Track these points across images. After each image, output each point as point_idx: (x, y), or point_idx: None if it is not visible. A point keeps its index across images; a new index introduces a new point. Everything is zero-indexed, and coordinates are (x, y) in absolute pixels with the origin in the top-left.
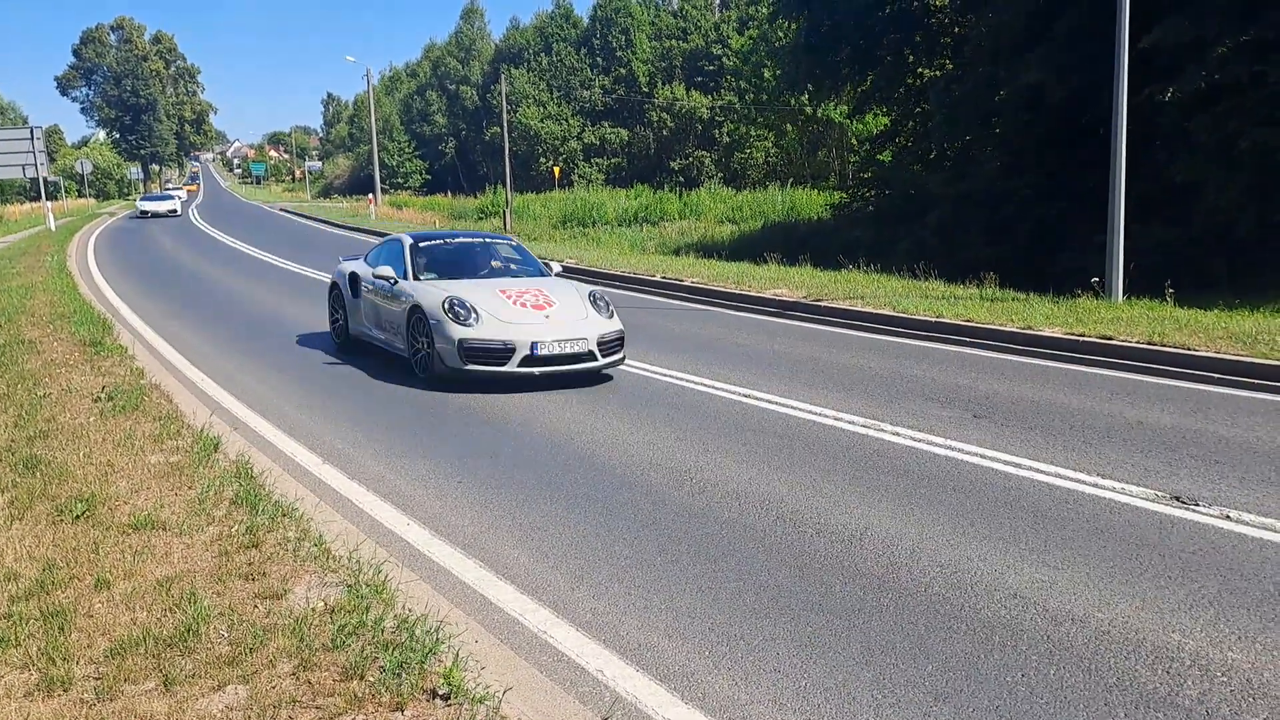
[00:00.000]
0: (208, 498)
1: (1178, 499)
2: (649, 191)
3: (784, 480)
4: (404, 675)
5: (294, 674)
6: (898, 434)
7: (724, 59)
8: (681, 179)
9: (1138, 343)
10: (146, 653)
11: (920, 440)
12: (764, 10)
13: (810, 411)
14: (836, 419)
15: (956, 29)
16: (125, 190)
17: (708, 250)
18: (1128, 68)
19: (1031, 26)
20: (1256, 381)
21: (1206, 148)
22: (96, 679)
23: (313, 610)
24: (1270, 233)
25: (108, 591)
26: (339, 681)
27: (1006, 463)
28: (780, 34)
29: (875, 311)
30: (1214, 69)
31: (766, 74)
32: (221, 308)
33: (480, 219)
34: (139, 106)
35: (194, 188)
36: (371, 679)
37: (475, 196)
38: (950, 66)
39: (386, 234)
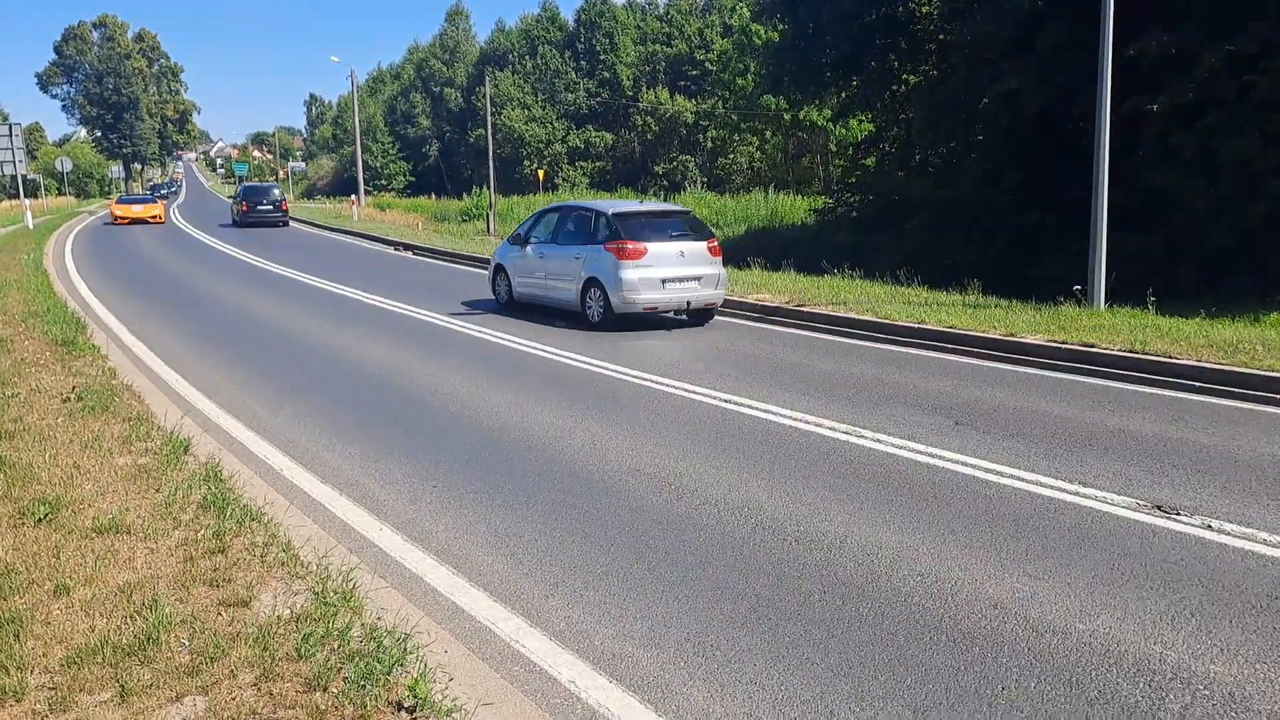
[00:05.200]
0: (175, 501)
1: (1159, 508)
2: (633, 195)
3: (763, 487)
4: (369, 686)
5: (255, 685)
6: (879, 440)
7: (707, 64)
8: (665, 183)
9: (1119, 351)
10: (104, 662)
11: (901, 447)
12: (745, 14)
13: (790, 417)
14: (817, 425)
15: (941, 36)
16: (106, 189)
17: None
18: (1111, 77)
19: (1015, 37)
20: (1237, 390)
21: (1187, 159)
22: (51, 689)
23: (278, 618)
24: (1244, 242)
25: (67, 597)
26: (301, 693)
27: (988, 470)
28: (759, 38)
29: (858, 317)
30: (1202, 81)
31: (741, 82)
32: (198, 307)
33: (464, 221)
34: (121, 105)
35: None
36: (335, 690)
37: (460, 198)
38: (934, 74)
39: (369, 235)
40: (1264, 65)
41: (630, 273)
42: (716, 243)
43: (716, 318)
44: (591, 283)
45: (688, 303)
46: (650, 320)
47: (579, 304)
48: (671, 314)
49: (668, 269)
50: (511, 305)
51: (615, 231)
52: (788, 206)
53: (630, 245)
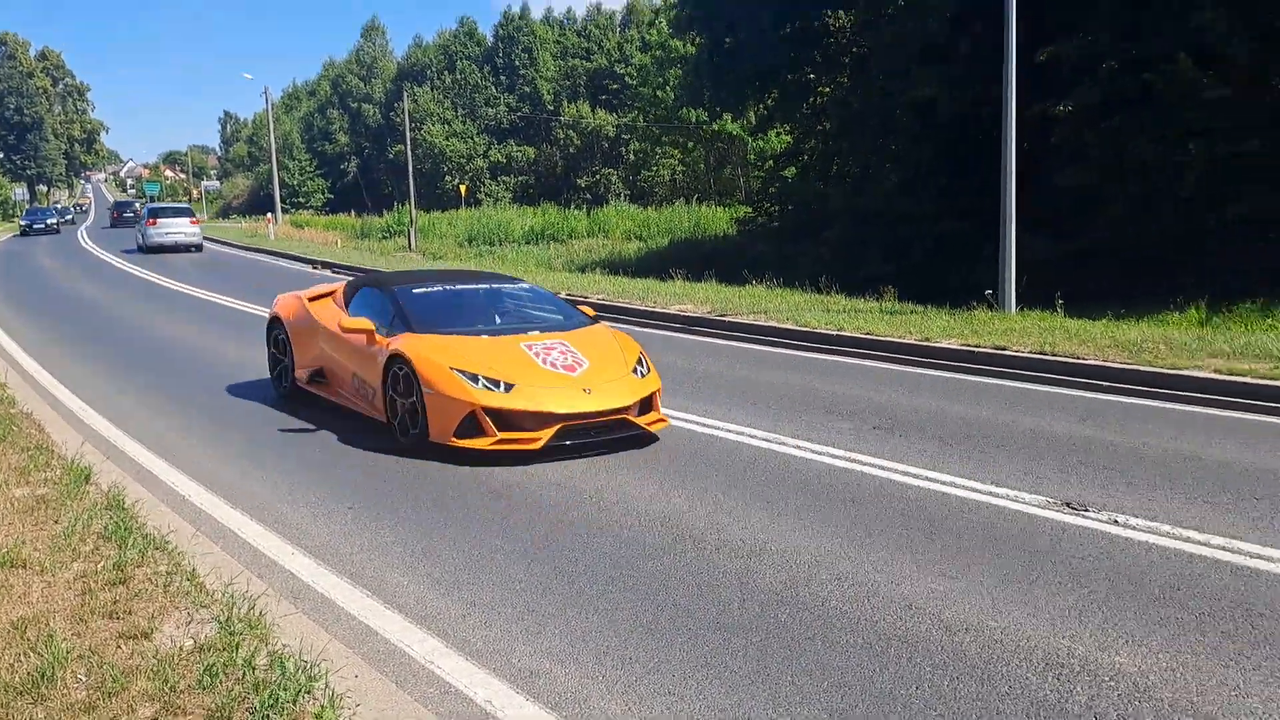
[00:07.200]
0: (74, 532)
1: (1069, 505)
2: (556, 209)
3: (684, 497)
4: (273, 716)
5: (155, 718)
6: (800, 447)
7: (627, 78)
8: (589, 196)
9: (1030, 353)
10: None
11: (822, 453)
12: (664, 28)
13: (713, 426)
14: (739, 433)
15: (854, 49)
16: (10, 212)
17: (614, 267)
18: (1017, 83)
19: (929, 45)
20: (1142, 388)
21: (1096, 158)
22: None
23: (180, 649)
24: (1152, 245)
25: None
26: None
27: (904, 473)
28: (677, 51)
29: (779, 326)
30: (1106, 83)
31: (661, 95)
32: (104, 329)
33: (385, 238)
34: (24, 125)
35: None
36: None
37: (380, 215)
38: (848, 84)
39: (286, 254)
40: (1163, 69)
41: (149, 230)
42: (197, 218)
43: (206, 248)
44: (140, 234)
45: (176, 243)
46: (170, 248)
47: (143, 245)
48: (179, 248)
49: (166, 230)
50: (146, 250)
51: (147, 215)
52: (710, 218)
53: (150, 220)
